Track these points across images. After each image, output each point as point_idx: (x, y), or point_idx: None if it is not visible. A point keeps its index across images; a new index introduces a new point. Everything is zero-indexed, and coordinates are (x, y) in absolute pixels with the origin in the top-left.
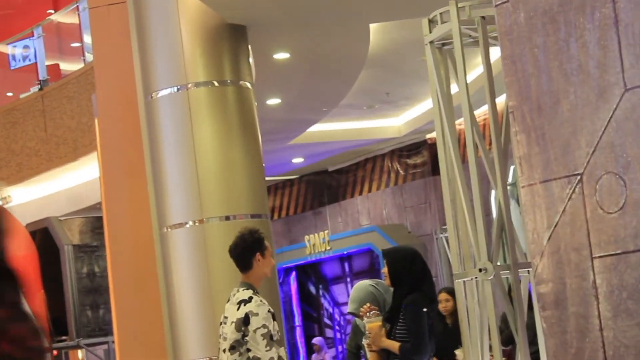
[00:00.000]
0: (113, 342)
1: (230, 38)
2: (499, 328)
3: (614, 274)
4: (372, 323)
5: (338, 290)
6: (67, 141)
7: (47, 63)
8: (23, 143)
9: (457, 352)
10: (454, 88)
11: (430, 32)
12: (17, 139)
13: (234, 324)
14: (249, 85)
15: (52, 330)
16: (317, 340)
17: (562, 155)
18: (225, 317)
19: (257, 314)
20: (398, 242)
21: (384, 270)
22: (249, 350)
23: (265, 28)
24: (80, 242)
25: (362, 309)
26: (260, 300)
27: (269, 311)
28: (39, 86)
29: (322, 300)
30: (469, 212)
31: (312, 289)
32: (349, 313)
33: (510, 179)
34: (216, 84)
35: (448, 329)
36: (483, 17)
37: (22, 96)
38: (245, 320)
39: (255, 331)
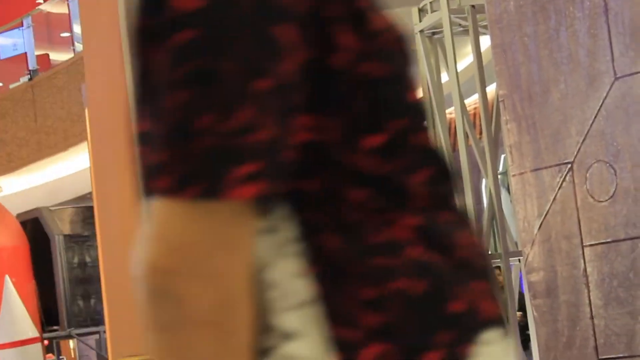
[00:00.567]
0: (104, 332)
1: None
2: None
3: (605, 262)
4: None
5: None
6: (57, 131)
7: (37, 53)
8: (13, 133)
9: None
10: (444, 77)
11: (420, 21)
12: (7, 129)
13: None
14: None
15: (44, 320)
16: None
17: (552, 144)
18: None
19: None
20: None
21: None
22: None
23: None
24: (71, 232)
25: None
26: None
27: None
28: (29, 76)
29: None
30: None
31: None
32: None
33: (500, 168)
34: None
35: None
36: (473, 6)
37: (11, 86)
38: None
39: None
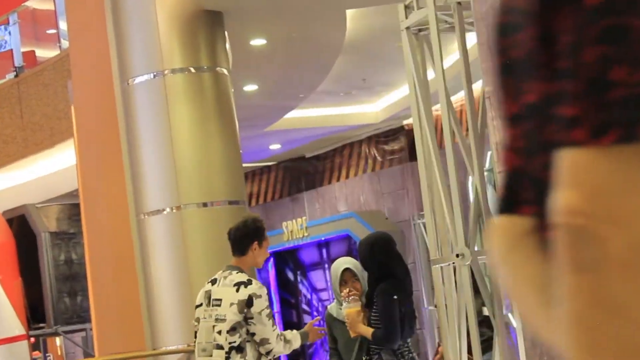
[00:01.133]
0: (91, 329)
1: (207, 24)
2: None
3: None
4: (350, 309)
5: (316, 276)
6: (43, 128)
7: (23, 50)
8: None
9: None
10: (431, 74)
11: (407, 18)
12: None
13: (234, 305)
14: (225, 71)
15: (30, 317)
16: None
17: None
18: (218, 300)
19: (260, 296)
20: (376, 228)
21: None
22: (248, 332)
23: (241, 14)
24: (57, 229)
25: (342, 294)
26: (257, 283)
27: (266, 293)
28: (15, 73)
29: (300, 286)
30: (446, 198)
31: (290, 275)
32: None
33: (487, 165)
34: (193, 70)
35: None
36: (459, 3)
37: None
38: (249, 302)
39: (260, 313)
